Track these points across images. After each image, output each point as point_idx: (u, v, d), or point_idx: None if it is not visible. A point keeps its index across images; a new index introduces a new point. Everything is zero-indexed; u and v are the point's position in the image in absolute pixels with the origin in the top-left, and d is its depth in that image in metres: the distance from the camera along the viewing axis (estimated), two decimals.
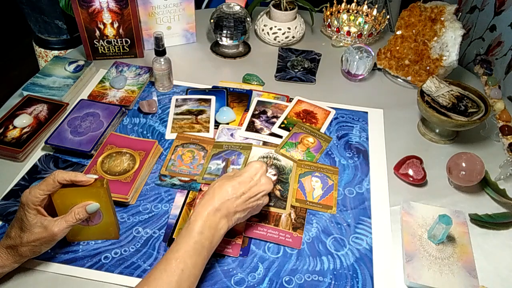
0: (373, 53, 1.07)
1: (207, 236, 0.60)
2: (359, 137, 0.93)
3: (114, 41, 1.08)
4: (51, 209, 0.63)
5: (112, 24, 1.05)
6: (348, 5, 1.31)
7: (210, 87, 1.04)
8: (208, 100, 0.99)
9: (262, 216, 0.75)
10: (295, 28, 1.19)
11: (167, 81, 1.01)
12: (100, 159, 0.80)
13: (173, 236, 0.71)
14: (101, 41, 1.08)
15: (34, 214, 0.60)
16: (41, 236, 0.60)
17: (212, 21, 1.13)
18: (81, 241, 0.70)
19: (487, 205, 0.80)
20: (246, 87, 1.05)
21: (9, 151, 0.83)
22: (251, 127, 0.93)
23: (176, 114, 0.95)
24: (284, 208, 0.76)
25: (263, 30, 1.20)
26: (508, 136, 0.92)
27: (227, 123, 0.94)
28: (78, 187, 0.63)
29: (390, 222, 0.76)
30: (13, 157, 0.83)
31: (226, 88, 1.03)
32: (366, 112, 1.00)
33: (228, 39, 1.13)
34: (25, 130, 0.87)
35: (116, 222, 0.69)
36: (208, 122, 0.93)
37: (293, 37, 1.20)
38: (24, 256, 0.61)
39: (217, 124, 0.93)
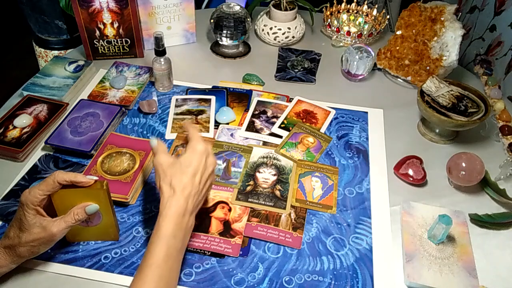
0: (373, 53, 1.07)
1: (180, 238, 0.60)
2: (359, 137, 0.93)
3: (114, 41, 1.08)
4: (50, 209, 0.63)
5: (112, 24, 1.05)
6: (348, 5, 1.31)
7: (210, 87, 1.04)
8: (208, 100, 0.99)
9: (262, 216, 0.75)
10: (295, 28, 1.19)
11: (167, 81, 1.01)
12: (100, 159, 0.80)
13: None
14: (101, 41, 1.08)
15: (33, 214, 0.60)
16: (40, 236, 0.60)
17: (212, 21, 1.13)
18: (81, 241, 0.70)
19: (487, 205, 0.80)
20: (246, 87, 1.05)
21: (9, 151, 0.83)
22: (251, 127, 0.93)
23: (176, 114, 0.95)
24: (284, 208, 0.76)
25: (263, 30, 1.20)
26: (508, 136, 0.92)
27: (227, 123, 0.94)
28: (78, 188, 0.63)
29: (390, 222, 0.76)
30: (13, 157, 0.83)
31: (226, 88, 1.03)
32: (366, 112, 1.00)
33: (228, 39, 1.13)
34: (25, 130, 0.87)
35: (115, 223, 0.69)
36: (208, 122, 0.93)
37: (293, 37, 1.20)
38: (22, 256, 0.61)
39: (217, 124, 0.93)
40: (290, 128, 0.93)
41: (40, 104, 0.93)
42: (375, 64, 1.11)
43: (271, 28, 1.19)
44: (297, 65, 1.14)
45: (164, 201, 0.61)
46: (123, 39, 1.09)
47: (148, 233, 0.72)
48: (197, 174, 0.63)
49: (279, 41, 1.20)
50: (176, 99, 0.99)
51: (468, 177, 0.79)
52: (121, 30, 1.07)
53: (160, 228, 0.59)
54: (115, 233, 0.70)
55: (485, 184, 0.82)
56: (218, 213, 0.75)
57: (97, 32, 1.06)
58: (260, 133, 0.92)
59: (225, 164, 0.84)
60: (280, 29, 1.18)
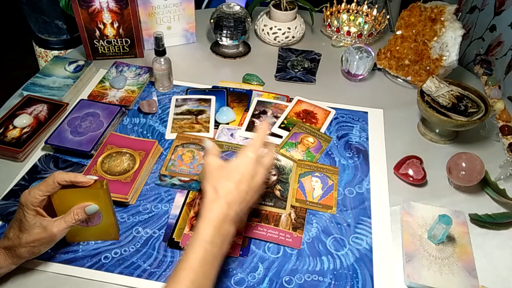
0: (373, 53, 1.07)
1: (218, 244, 0.57)
2: (359, 137, 0.93)
3: (114, 41, 1.08)
4: (50, 210, 0.63)
5: (112, 24, 1.05)
6: (348, 5, 1.31)
7: (210, 87, 1.04)
8: (208, 100, 0.99)
9: (262, 216, 0.75)
10: (295, 28, 1.19)
11: (167, 81, 1.01)
12: (100, 159, 0.80)
13: (173, 236, 0.71)
14: (101, 41, 1.08)
15: (33, 215, 0.60)
16: (40, 237, 0.60)
17: (212, 21, 1.13)
18: (80, 241, 0.70)
19: (487, 205, 0.80)
20: (246, 87, 1.05)
21: (9, 151, 0.83)
22: (251, 127, 0.93)
23: (176, 114, 0.95)
24: (284, 208, 0.76)
25: (263, 30, 1.20)
26: (508, 136, 0.92)
27: (227, 123, 0.94)
28: (78, 188, 0.62)
29: (390, 222, 0.76)
30: (13, 157, 0.83)
31: (226, 88, 1.03)
32: (366, 112, 1.00)
33: (228, 39, 1.13)
34: (25, 130, 0.87)
35: (115, 223, 0.69)
36: (208, 122, 0.93)
37: (293, 37, 1.20)
38: (22, 257, 0.61)
39: (217, 124, 0.93)
40: (290, 128, 0.93)
41: (40, 104, 0.93)
42: (375, 64, 1.11)
43: (271, 28, 1.19)
44: (297, 65, 1.14)
45: (206, 204, 0.59)
46: (123, 39, 1.09)
47: (148, 233, 0.72)
48: (244, 181, 0.61)
49: (279, 41, 1.20)
50: (176, 99, 0.99)
51: (468, 177, 0.79)
52: (121, 30, 1.07)
53: (199, 231, 0.57)
54: (115, 232, 0.70)
55: (485, 184, 0.82)
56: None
57: (97, 32, 1.06)
58: None
59: None
60: (280, 29, 1.18)
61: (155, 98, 0.99)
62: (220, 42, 1.16)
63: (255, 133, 0.66)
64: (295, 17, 1.20)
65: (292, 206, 0.77)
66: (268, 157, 0.67)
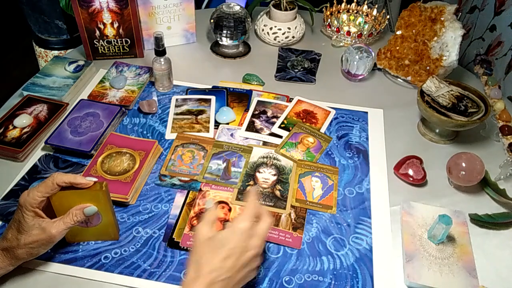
0: (373, 53, 1.07)
1: None
2: (359, 137, 0.93)
3: (114, 41, 1.08)
4: (50, 211, 0.63)
5: (112, 24, 1.05)
6: (348, 5, 1.31)
7: (210, 87, 1.04)
8: (208, 100, 0.99)
9: None
10: (295, 28, 1.19)
11: (167, 81, 1.01)
12: (100, 159, 0.80)
13: (173, 236, 0.71)
14: (101, 41, 1.08)
15: (32, 216, 0.59)
16: (39, 238, 0.59)
17: (212, 21, 1.13)
18: (80, 242, 0.70)
19: (487, 205, 0.80)
20: (246, 87, 1.05)
21: (9, 151, 0.83)
22: (251, 127, 0.93)
23: (176, 114, 0.95)
24: (284, 208, 0.76)
25: (263, 30, 1.20)
26: (508, 136, 0.92)
27: (227, 123, 0.94)
28: (77, 189, 0.62)
29: (390, 222, 0.76)
30: (13, 157, 0.83)
31: (226, 88, 1.03)
32: (366, 112, 1.00)
33: (228, 39, 1.13)
34: (25, 130, 0.87)
35: (115, 223, 0.69)
36: (208, 122, 0.93)
37: (293, 37, 1.20)
38: (20, 258, 0.61)
39: (217, 124, 0.93)
40: (290, 128, 0.93)
41: (40, 104, 0.93)
42: (375, 64, 1.11)
43: (271, 28, 1.19)
44: (297, 65, 1.14)
45: (185, 283, 0.55)
46: (123, 39, 1.09)
47: (148, 233, 0.72)
48: (231, 256, 0.55)
49: (279, 41, 1.20)
50: (176, 99, 0.99)
51: (468, 177, 0.79)
52: (121, 30, 1.07)
53: None
54: (115, 232, 0.70)
55: (485, 184, 0.82)
56: (218, 213, 0.75)
57: (97, 32, 1.06)
58: (260, 133, 0.92)
59: (225, 164, 0.84)
60: (280, 29, 1.18)
61: (155, 98, 0.99)
62: (220, 42, 1.16)
63: (246, 201, 0.59)
64: (295, 17, 1.20)
65: (292, 206, 0.77)
66: (263, 224, 0.59)
